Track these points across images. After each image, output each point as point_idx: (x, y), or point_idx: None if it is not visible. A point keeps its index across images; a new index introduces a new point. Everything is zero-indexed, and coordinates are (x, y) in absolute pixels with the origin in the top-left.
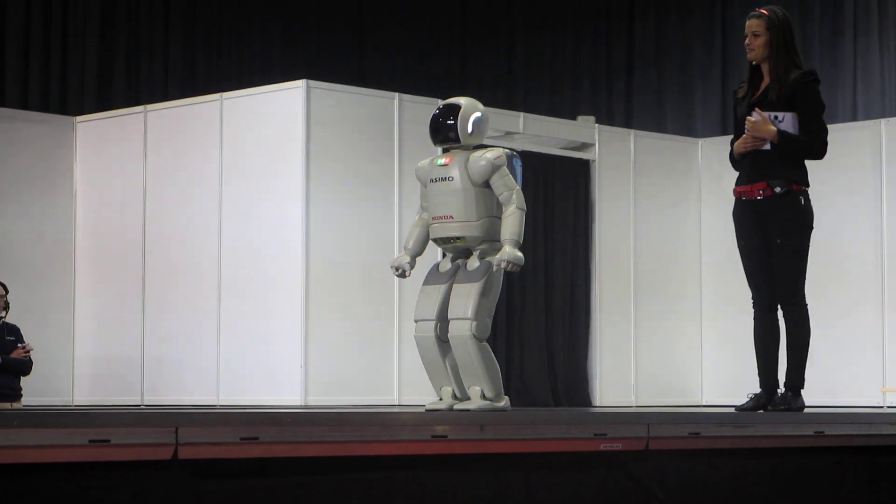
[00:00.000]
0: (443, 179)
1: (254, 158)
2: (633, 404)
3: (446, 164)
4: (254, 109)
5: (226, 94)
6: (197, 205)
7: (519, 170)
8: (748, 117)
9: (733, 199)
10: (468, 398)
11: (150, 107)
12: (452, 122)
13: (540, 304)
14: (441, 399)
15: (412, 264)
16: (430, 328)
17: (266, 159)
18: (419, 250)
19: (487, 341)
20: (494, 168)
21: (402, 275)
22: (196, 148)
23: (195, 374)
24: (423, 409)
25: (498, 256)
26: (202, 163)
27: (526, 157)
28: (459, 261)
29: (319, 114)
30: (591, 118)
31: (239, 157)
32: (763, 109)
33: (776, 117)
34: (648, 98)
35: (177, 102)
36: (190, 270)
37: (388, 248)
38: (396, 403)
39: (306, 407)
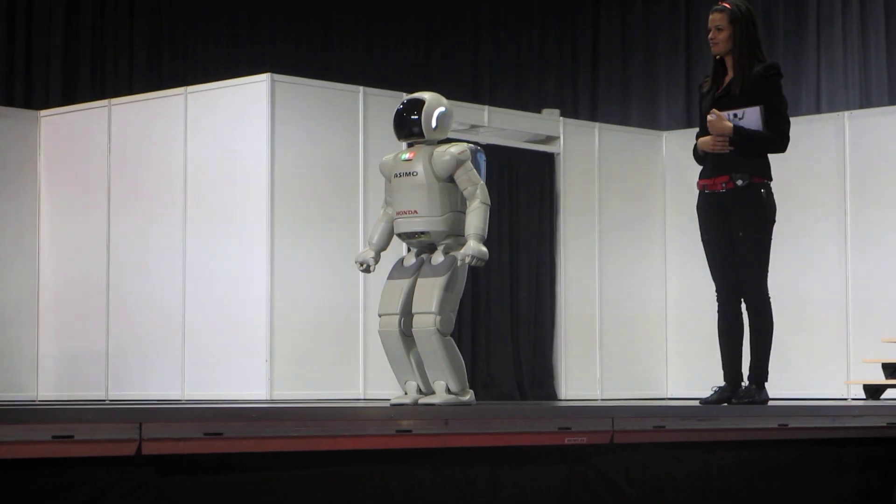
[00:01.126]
0: (407, 174)
1: (218, 153)
2: (599, 398)
3: (410, 160)
4: (218, 103)
5: (190, 88)
6: (161, 199)
7: (483, 164)
8: (708, 116)
9: (697, 192)
10: (433, 392)
11: (114, 101)
12: (416, 117)
13: (505, 299)
14: (406, 393)
15: (377, 259)
16: (394, 322)
17: (230, 154)
18: (383, 245)
19: (452, 336)
20: (458, 163)
21: (367, 270)
22: (160, 142)
23: (160, 369)
24: (388, 404)
25: (462, 251)
26: (166, 157)
27: (491, 150)
28: (424, 255)
29: (284, 108)
30: (556, 111)
31: (203, 151)
32: (726, 103)
33: (735, 115)
34: (613, 90)
35: (141, 96)
36: (154, 264)
37: (352, 243)
38: (362, 398)
39: (271, 401)
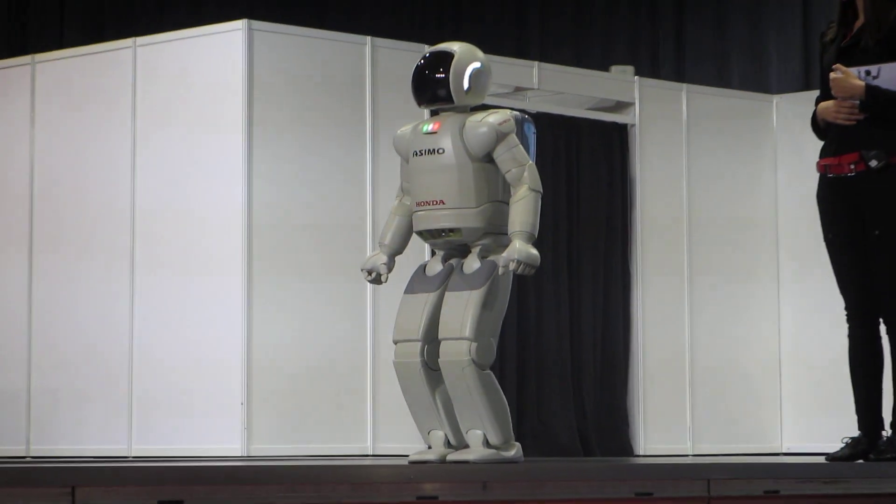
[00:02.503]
0: (430, 152)
1: (177, 125)
2: (689, 453)
3: (435, 132)
4: (179, 59)
5: (141, 40)
6: (101, 191)
7: (532, 139)
8: (830, 73)
9: (818, 176)
10: (466, 445)
11: (39, 57)
12: (443, 75)
13: (563, 320)
14: (430, 447)
15: (390, 266)
16: (414, 352)
17: (193, 126)
18: (399, 247)
19: (492, 369)
20: (499, 136)
21: (377, 280)
22: (100, 110)
23: (99, 415)
24: (406, 462)
25: (505, 255)
26: (109, 129)
27: (542, 120)
28: (454, 261)
29: (265, 65)
30: (629, 69)
31: (157, 122)
32: (857, 56)
33: (868, 72)
34: (705, 42)
35: (75, 51)
36: (91, 277)
37: (357, 245)
38: (370, 454)
39: (248, 458)
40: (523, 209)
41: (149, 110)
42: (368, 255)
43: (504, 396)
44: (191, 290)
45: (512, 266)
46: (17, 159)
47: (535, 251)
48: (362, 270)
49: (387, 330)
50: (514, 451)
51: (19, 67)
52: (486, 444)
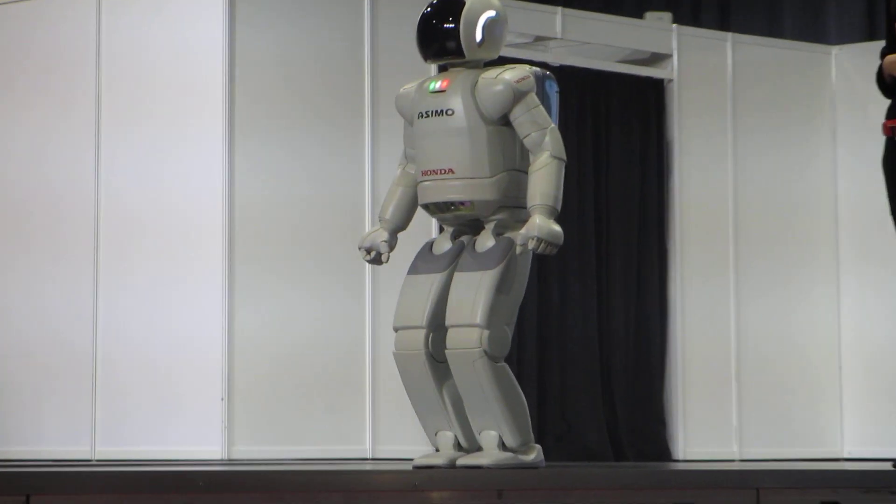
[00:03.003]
0: (438, 114)
1: (147, 98)
2: (736, 458)
3: (443, 91)
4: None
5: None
6: (64, 162)
7: (555, 98)
8: None
9: (883, 138)
10: (479, 448)
11: None
12: (452, 25)
13: (590, 305)
14: (437, 450)
15: (391, 244)
16: (418, 341)
17: (166, 98)
18: (402, 222)
19: (508, 360)
20: (517, 95)
21: (377, 260)
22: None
23: (59, 414)
24: (410, 466)
25: (523, 231)
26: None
27: (566, 75)
28: (465, 238)
29: (248, 13)
30: (667, 15)
31: (124, 97)
32: None
33: None
34: None
35: (20, 8)
36: (52, 259)
37: (354, 219)
38: (369, 457)
39: (230, 462)
40: (544, 179)
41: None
42: (367, 230)
43: (521, 392)
44: (164, 274)
45: (531, 244)
46: None
47: (557, 227)
48: (360, 249)
49: (388, 316)
50: (534, 454)
51: None
52: (502, 446)
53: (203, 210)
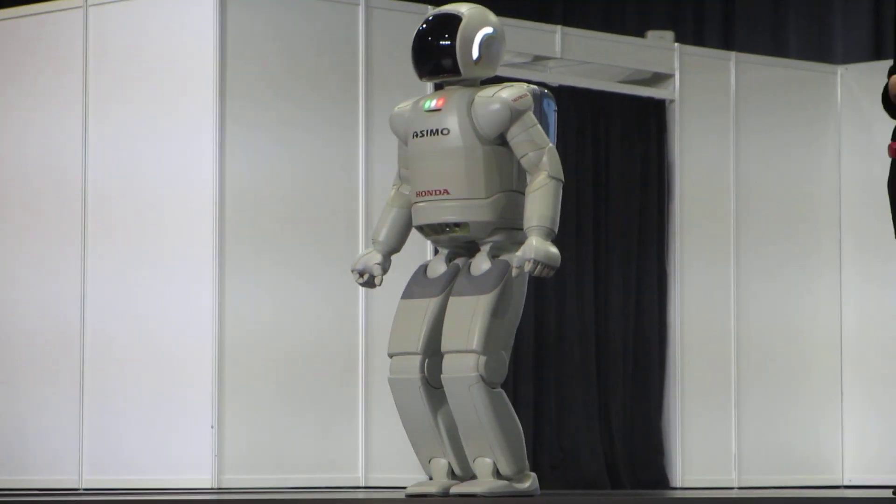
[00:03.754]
0: (434, 133)
1: (134, 93)
2: (734, 485)
3: (438, 110)
4: (138, 21)
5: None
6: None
7: (553, 117)
8: None
9: (889, 160)
10: (473, 476)
11: None
12: (448, 42)
13: (588, 329)
14: (431, 478)
15: (385, 266)
16: (413, 367)
17: (154, 94)
18: (396, 245)
19: (504, 386)
20: (514, 115)
21: (370, 283)
22: (46, 85)
23: (48, 441)
24: (402, 495)
25: (520, 254)
26: (56, 98)
27: (565, 95)
28: (460, 261)
29: (239, 30)
30: (669, 34)
31: (112, 90)
32: None
33: None
34: (758, 3)
35: (9, 12)
36: (32, 270)
37: (348, 241)
38: (362, 485)
39: (220, 491)
40: (541, 200)
41: (101, 76)
42: (360, 253)
43: (517, 419)
44: (152, 280)
45: (528, 267)
46: None
47: (554, 249)
48: (353, 272)
49: (382, 338)
50: (529, 482)
51: None
52: (497, 474)
53: (190, 212)
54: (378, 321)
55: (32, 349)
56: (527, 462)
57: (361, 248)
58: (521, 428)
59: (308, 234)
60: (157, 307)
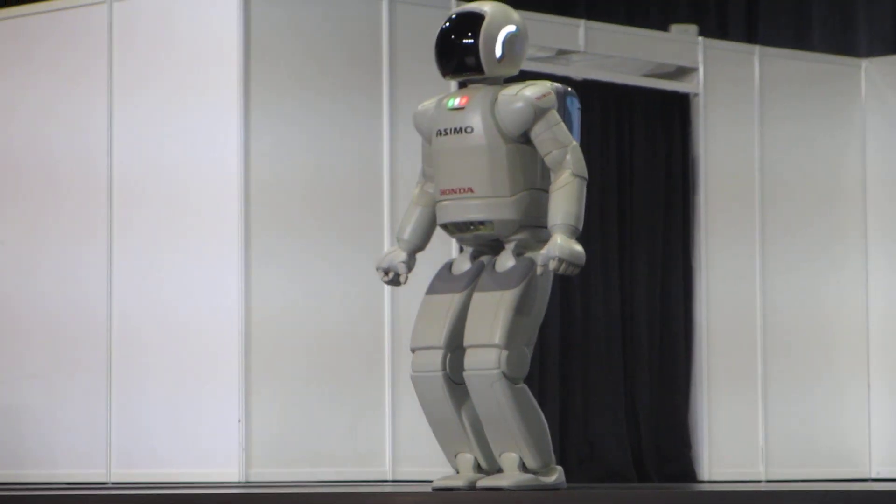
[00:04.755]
0: (457, 131)
1: (159, 87)
2: (762, 478)
3: (462, 108)
4: (162, 18)
5: None
6: (75, 146)
7: (577, 115)
8: None
9: None
10: (499, 470)
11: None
12: (472, 41)
13: (613, 324)
14: (457, 472)
15: (410, 265)
16: (436, 361)
17: (179, 89)
18: (421, 243)
19: (528, 383)
20: (538, 113)
21: (395, 281)
22: (71, 76)
23: (75, 435)
24: (429, 489)
25: (544, 252)
26: (83, 91)
27: (589, 90)
28: (484, 259)
29: (264, 21)
30: (693, 28)
31: (136, 91)
32: None
33: None
34: None
35: (33, 7)
36: (57, 266)
37: (372, 239)
38: (389, 479)
39: (247, 484)
40: (565, 198)
41: (127, 67)
42: (385, 251)
43: (542, 413)
44: (177, 273)
45: (552, 265)
46: None
47: (579, 247)
48: (378, 270)
49: (407, 332)
50: (555, 476)
51: None
52: (523, 468)
53: (215, 202)
54: (403, 315)
55: (60, 342)
56: (553, 455)
57: (385, 237)
58: (545, 422)
59: (333, 223)
60: (184, 296)
